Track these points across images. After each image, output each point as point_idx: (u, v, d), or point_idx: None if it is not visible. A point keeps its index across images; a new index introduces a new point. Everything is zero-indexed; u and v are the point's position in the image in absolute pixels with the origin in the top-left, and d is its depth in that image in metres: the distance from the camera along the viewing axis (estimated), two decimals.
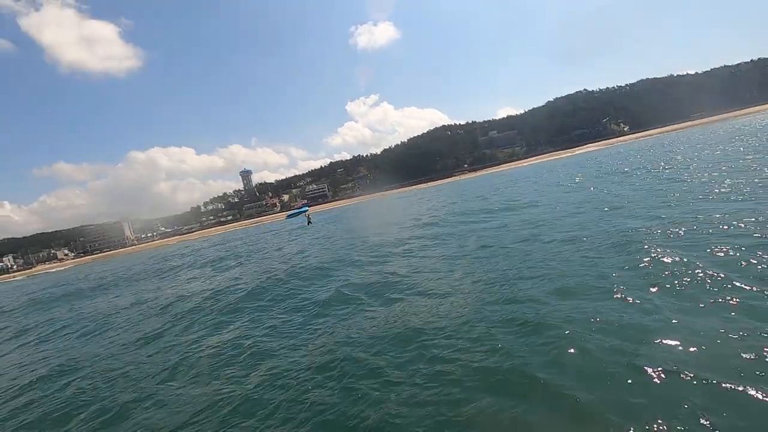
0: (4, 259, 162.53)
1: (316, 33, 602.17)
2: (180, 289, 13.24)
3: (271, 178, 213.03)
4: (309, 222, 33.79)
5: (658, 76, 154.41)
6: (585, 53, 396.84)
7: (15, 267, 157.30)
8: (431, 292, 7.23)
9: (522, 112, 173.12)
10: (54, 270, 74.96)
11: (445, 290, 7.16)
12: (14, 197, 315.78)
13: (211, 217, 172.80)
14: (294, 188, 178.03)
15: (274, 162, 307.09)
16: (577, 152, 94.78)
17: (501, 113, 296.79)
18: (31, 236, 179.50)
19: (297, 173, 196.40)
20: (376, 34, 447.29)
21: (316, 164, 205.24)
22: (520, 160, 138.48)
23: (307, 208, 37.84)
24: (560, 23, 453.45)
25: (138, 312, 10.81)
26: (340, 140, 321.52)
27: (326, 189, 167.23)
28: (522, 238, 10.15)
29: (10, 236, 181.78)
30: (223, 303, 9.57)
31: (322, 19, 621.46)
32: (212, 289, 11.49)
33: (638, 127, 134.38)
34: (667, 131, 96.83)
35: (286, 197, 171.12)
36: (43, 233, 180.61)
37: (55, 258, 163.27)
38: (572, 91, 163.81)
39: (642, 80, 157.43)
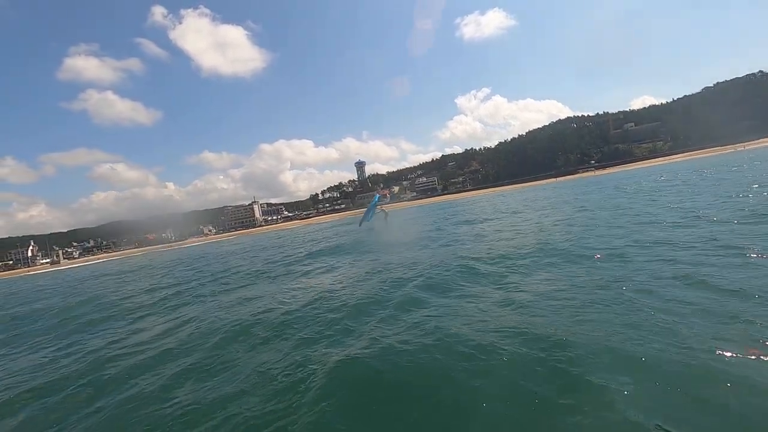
0: (166, 231, 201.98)
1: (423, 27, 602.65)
2: None
3: (382, 170, 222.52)
4: (386, 216, 28.77)
5: None
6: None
7: (173, 238, 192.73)
8: None
9: (668, 101, 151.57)
10: (200, 243, 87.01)
11: None
12: (177, 180, 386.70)
13: (327, 205, 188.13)
14: (405, 180, 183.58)
15: (385, 155, 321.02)
16: (745, 147, 77.92)
17: (636, 103, 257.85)
18: (186, 213, 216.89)
19: (407, 166, 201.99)
20: (483, 23, 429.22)
21: (426, 157, 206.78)
22: (664, 156, 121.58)
23: (378, 196, 32.92)
24: None
25: None
26: (449, 134, 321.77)
27: (436, 182, 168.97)
28: None
29: (172, 212, 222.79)
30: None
31: (424, 13, 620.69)
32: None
33: None
34: None
35: (396, 189, 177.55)
36: (195, 211, 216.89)
37: (201, 233, 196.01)
38: (741, 75, 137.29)
39: None
